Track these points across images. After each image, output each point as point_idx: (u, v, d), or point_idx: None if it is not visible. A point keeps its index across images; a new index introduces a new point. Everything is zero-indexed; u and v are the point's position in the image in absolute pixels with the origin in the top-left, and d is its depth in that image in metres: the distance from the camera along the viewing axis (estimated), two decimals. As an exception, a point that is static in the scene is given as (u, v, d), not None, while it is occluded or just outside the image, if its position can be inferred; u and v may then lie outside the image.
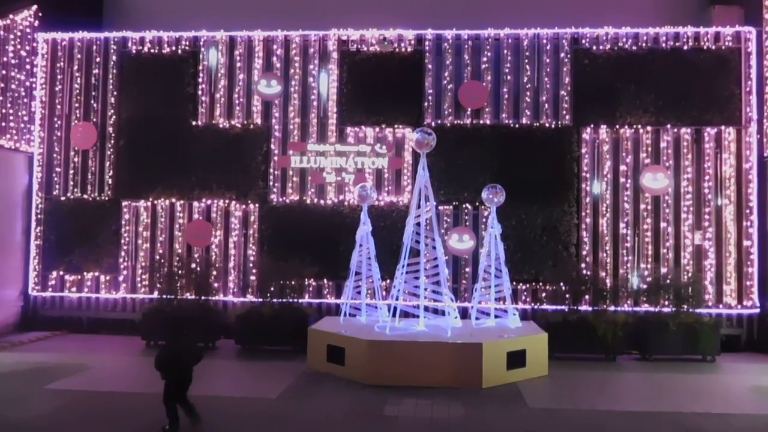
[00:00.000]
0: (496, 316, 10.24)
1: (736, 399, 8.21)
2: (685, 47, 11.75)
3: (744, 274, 11.39)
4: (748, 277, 11.36)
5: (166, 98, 12.40)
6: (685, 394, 8.40)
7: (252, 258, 12.09)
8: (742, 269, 11.41)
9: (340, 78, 12.23)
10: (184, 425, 6.70)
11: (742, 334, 11.38)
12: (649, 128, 11.72)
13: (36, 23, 12.63)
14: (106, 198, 12.46)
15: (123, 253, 12.32)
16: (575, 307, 10.88)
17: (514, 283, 11.29)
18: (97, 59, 12.64)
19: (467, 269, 11.78)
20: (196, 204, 12.28)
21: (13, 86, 12.14)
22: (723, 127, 11.60)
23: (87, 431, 6.77)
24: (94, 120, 12.59)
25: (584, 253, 11.64)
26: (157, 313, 11.17)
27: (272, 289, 11.38)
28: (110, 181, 12.48)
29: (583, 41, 11.94)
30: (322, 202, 12.07)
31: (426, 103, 12.05)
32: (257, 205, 12.18)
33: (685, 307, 10.61)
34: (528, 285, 11.69)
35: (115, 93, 12.57)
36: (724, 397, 8.25)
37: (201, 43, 12.46)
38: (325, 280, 11.91)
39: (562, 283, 11.39)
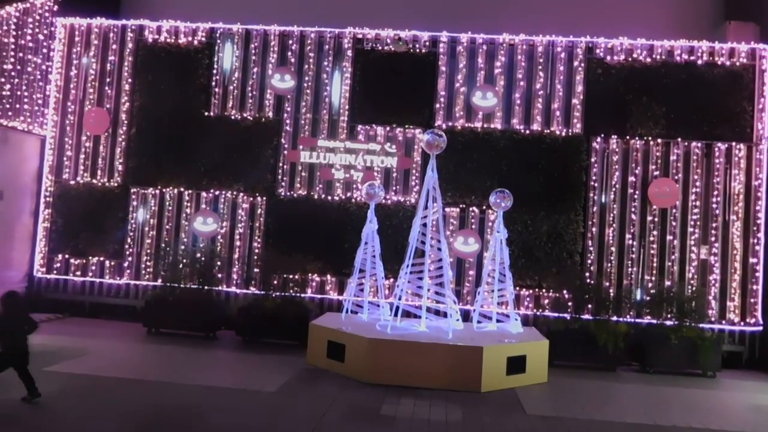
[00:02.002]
0: (497, 321, 10.25)
1: (735, 416, 8.19)
2: (699, 62, 11.72)
3: (749, 291, 11.35)
4: (753, 294, 11.32)
5: (180, 88, 12.46)
6: (684, 408, 8.38)
7: (257, 250, 12.13)
8: (747, 286, 11.37)
9: (353, 76, 12.25)
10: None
11: (744, 351, 11.33)
12: (659, 141, 11.70)
13: (55, 8, 12.70)
14: (116, 184, 12.53)
15: (129, 240, 12.39)
16: (577, 316, 10.87)
17: (517, 288, 11.30)
18: (114, 46, 12.71)
19: (471, 272, 11.79)
20: (204, 194, 12.34)
21: (29, 69, 12.22)
22: (734, 143, 11.57)
23: (84, 414, 6.80)
24: (108, 106, 12.66)
25: (589, 262, 11.63)
26: (160, 300, 11.26)
27: (275, 282, 11.45)
28: (120, 168, 12.55)
29: (597, 51, 11.93)
30: (329, 198, 12.11)
31: (438, 105, 12.07)
32: (264, 198, 12.22)
33: (688, 321, 10.58)
34: (531, 291, 11.68)
35: (129, 80, 12.64)
36: (722, 414, 8.23)
37: (217, 35, 12.52)
38: (329, 276, 11.93)
39: (565, 291, 11.41)
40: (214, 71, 12.46)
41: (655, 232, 11.60)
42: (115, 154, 12.59)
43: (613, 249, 11.64)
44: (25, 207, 12.47)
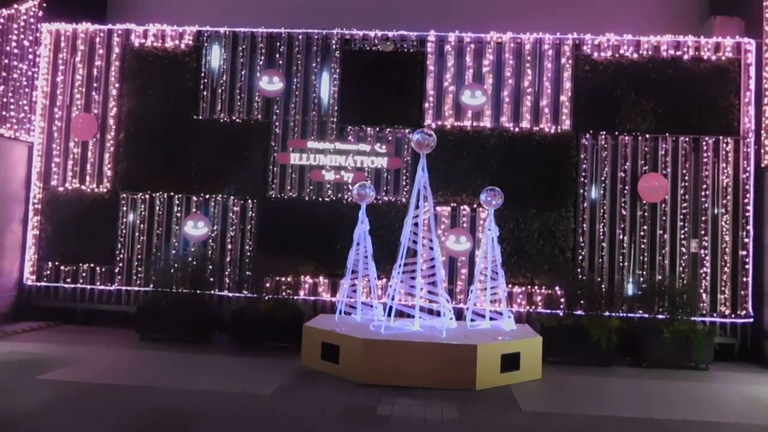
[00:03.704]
0: (491, 319, 10.27)
1: (728, 407, 8.25)
2: (686, 57, 11.80)
3: (739, 283, 11.43)
4: (743, 287, 11.41)
5: (168, 92, 12.41)
6: (678, 401, 8.44)
7: (249, 253, 12.10)
8: (737, 279, 11.45)
9: (341, 76, 12.24)
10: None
11: (736, 344, 11.41)
12: (647, 136, 11.77)
13: (40, 13, 12.61)
14: (105, 190, 12.46)
15: (119, 245, 12.31)
16: (570, 312, 10.91)
17: (510, 285, 11.34)
18: (100, 51, 12.64)
19: (463, 271, 11.81)
20: (194, 198, 12.29)
21: (15, 75, 12.13)
22: (721, 137, 11.65)
23: (78, 422, 6.76)
24: (95, 111, 12.59)
25: (580, 258, 11.68)
26: (152, 306, 11.20)
27: (268, 285, 11.42)
28: (109, 173, 12.48)
29: (585, 47, 11.98)
30: (320, 199, 12.09)
31: (427, 104, 12.08)
32: (255, 200, 12.19)
33: (680, 314, 10.64)
34: (523, 288, 11.72)
35: (116, 85, 12.57)
36: (715, 406, 8.29)
37: (204, 38, 12.47)
38: (321, 278, 11.92)
39: (557, 287, 11.46)
40: (202, 74, 12.41)
41: (645, 227, 11.67)
42: (104, 160, 12.52)
43: (604, 245, 11.69)
44: (13, 214, 12.37)
